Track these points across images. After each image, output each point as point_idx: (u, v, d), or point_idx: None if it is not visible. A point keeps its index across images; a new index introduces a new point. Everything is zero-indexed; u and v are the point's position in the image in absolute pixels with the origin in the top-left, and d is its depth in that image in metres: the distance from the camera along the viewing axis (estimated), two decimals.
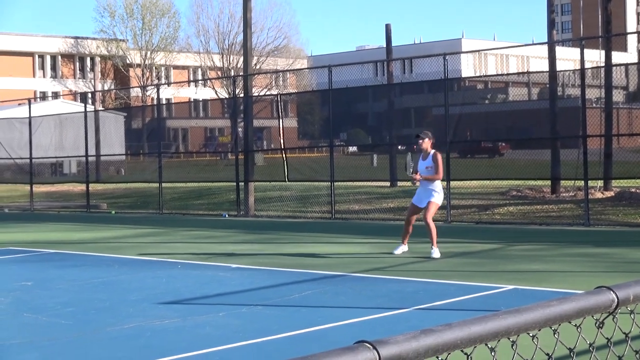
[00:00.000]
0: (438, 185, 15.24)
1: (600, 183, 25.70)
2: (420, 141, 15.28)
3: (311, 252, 17.35)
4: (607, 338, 2.57)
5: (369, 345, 1.95)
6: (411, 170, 15.28)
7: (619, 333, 2.61)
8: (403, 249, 15.84)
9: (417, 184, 15.29)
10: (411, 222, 15.58)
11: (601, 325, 2.50)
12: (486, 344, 2.16)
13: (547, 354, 2.34)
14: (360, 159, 38.79)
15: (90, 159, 32.38)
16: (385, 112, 31.63)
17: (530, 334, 2.26)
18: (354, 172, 31.48)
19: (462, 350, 2.12)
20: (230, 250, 17.89)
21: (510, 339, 2.22)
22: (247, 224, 24.37)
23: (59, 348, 9.08)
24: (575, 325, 2.39)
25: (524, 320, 2.21)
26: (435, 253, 15.27)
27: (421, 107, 40.79)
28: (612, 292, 2.42)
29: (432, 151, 15.26)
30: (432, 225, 15.16)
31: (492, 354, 2.19)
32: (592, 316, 2.44)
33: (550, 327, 2.30)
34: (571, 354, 2.40)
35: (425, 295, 11.57)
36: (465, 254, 16.20)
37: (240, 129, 30.60)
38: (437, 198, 15.19)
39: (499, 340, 2.18)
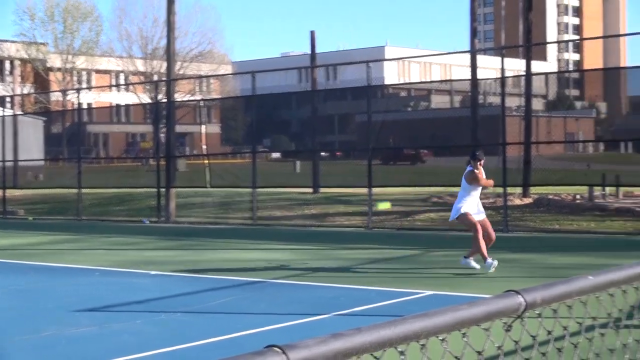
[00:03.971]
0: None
1: (519, 190, 26.08)
2: (480, 161, 14.31)
3: (232, 258, 17.29)
4: (515, 341, 2.59)
5: (278, 350, 1.93)
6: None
7: (527, 337, 2.63)
8: (494, 264, 14.01)
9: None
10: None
11: (509, 329, 2.52)
12: (396, 348, 2.15)
13: (456, 357, 2.34)
14: (283, 165, 38.78)
15: (7, 164, 31.78)
16: (308, 119, 31.69)
17: (440, 338, 2.26)
18: (277, 178, 31.45)
19: (372, 354, 2.11)
20: (149, 257, 17.72)
21: (420, 343, 2.21)
22: (168, 230, 24.16)
23: None
24: (484, 328, 2.40)
25: (433, 324, 2.21)
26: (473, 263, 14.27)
27: (344, 114, 40.99)
28: (520, 295, 2.44)
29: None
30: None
31: (402, 357, 2.19)
32: (501, 320, 2.46)
33: (460, 331, 2.30)
34: (480, 357, 2.41)
35: (346, 301, 11.60)
36: (386, 259, 16.29)
37: (162, 135, 30.35)
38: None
39: (408, 344, 2.17)
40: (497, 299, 2.41)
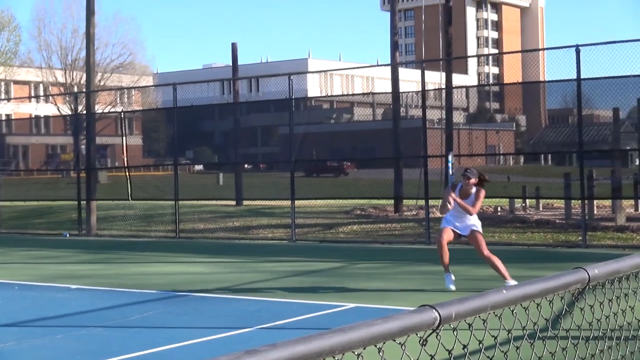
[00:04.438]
0: (476, 218, 13.89)
1: (441, 202, 26.30)
2: (467, 180, 13.73)
3: (154, 271, 17.14)
4: (430, 355, 2.62)
5: None
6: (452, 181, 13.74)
7: (442, 350, 2.66)
8: (453, 277, 13.59)
9: (450, 207, 13.56)
10: (445, 246, 13.61)
11: (424, 343, 2.55)
12: None
13: None
14: (206, 178, 38.58)
15: None
16: (231, 131, 31.58)
17: (355, 353, 2.27)
18: (200, 191, 31.27)
19: None
20: (70, 271, 17.47)
21: (336, 358, 2.23)
22: (89, 244, 23.86)
23: None
24: (400, 343, 2.42)
25: (349, 339, 2.22)
26: (512, 283, 12.60)
27: (267, 126, 40.95)
28: (434, 310, 2.47)
29: (476, 188, 13.81)
30: (495, 257, 13.51)
31: None
32: (417, 334, 2.48)
33: (375, 346, 2.33)
34: None
35: (268, 314, 11.58)
36: (309, 272, 16.31)
37: (82, 147, 29.96)
38: (480, 228, 13.86)
39: (324, 359, 2.18)
40: (412, 313, 2.44)
